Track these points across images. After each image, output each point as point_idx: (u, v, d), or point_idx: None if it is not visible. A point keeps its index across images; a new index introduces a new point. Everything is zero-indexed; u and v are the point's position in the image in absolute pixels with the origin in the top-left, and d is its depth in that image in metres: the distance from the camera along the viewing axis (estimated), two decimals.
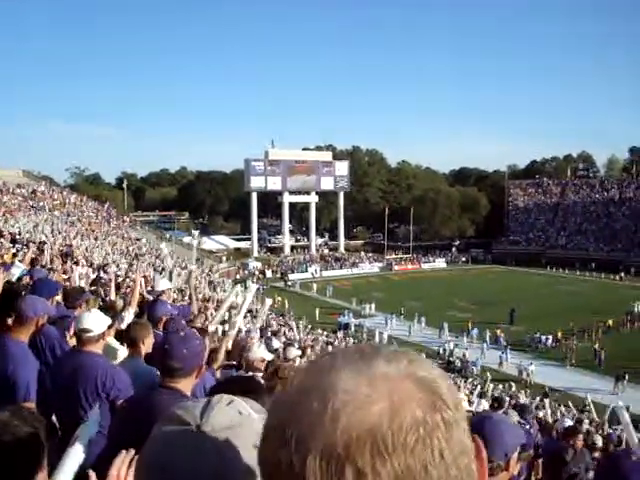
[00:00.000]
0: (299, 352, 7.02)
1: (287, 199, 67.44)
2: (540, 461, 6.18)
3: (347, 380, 0.52)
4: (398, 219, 78.76)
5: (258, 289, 24.99)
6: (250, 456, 0.76)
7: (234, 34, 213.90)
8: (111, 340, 4.17)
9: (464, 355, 28.44)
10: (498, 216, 76.33)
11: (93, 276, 11.91)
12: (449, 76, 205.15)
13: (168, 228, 75.40)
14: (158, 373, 2.63)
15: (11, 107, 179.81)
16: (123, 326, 5.02)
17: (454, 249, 72.13)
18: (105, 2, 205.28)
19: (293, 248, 69.61)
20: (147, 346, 3.75)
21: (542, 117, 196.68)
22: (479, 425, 1.96)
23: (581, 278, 54.91)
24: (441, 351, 29.76)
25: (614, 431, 11.90)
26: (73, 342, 3.94)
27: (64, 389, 3.22)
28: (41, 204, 43.45)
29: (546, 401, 16.63)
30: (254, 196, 65.63)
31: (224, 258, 58.90)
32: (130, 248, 36.56)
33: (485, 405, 10.19)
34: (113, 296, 7.98)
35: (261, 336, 10.10)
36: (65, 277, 9.14)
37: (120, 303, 6.74)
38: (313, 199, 68.81)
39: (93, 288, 8.56)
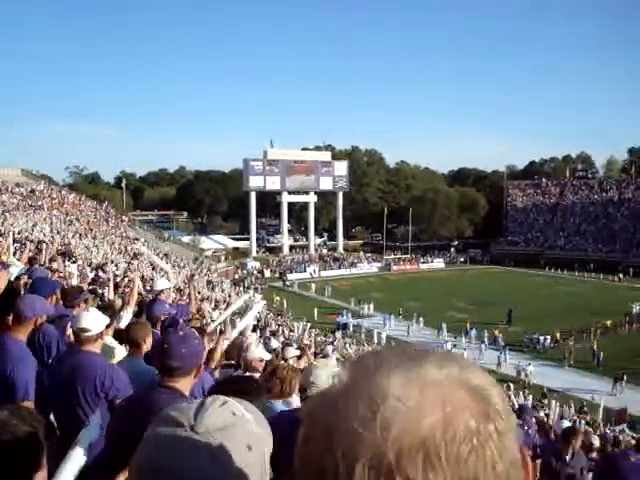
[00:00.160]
0: (297, 352, 7.01)
1: (286, 199, 67.38)
2: (538, 462, 6.18)
3: (397, 386, 0.49)
4: (397, 219, 78.72)
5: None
6: (244, 457, 0.76)
7: (233, 34, 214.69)
8: (108, 339, 4.16)
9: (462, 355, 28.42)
10: (497, 216, 76.34)
11: (91, 275, 11.91)
12: (449, 76, 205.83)
13: (167, 228, 75.38)
14: (157, 372, 2.63)
15: (11, 107, 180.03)
16: (121, 325, 5.02)
17: (453, 249, 72.20)
18: (105, 2, 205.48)
19: (292, 248, 69.62)
20: (148, 345, 3.76)
21: (541, 117, 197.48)
22: None
23: (580, 279, 54.92)
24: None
25: (611, 432, 11.91)
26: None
27: (62, 388, 3.21)
28: (40, 203, 43.41)
29: (552, 402, 16.53)
30: (253, 196, 65.56)
31: (222, 258, 58.91)
32: (129, 247, 36.51)
33: None
34: (111, 295, 7.98)
35: (260, 336, 10.11)
36: (62, 275, 9.12)
37: (119, 302, 6.75)
38: (312, 199, 68.78)
39: (92, 287, 8.56)
